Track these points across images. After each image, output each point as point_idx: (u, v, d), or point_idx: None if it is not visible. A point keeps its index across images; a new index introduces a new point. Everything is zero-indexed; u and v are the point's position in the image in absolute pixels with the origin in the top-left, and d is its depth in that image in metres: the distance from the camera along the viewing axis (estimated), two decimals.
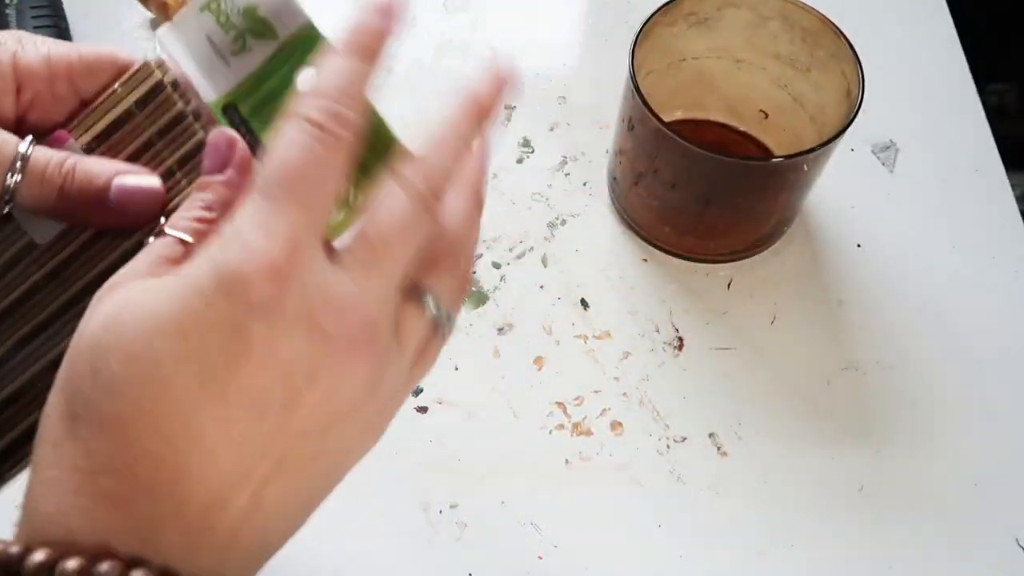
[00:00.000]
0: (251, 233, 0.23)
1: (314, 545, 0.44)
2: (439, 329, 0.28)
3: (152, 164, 0.30)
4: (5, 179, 0.27)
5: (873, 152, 0.57)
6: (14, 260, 0.30)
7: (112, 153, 0.30)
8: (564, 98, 0.59)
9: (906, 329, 0.51)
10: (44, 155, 0.28)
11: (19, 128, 0.29)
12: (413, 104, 0.58)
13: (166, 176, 0.30)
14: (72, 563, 0.21)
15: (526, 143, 0.57)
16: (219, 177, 0.27)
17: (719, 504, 0.46)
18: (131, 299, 0.23)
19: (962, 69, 0.60)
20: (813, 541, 0.45)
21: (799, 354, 0.50)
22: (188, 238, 0.26)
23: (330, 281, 0.24)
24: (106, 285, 0.25)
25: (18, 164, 0.27)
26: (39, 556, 0.21)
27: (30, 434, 0.28)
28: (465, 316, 0.51)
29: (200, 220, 0.26)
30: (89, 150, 0.30)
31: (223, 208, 0.27)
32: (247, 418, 0.23)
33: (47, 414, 0.24)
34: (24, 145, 0.28)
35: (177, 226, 0.26)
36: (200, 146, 0.30)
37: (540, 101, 0.59)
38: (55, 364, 0.27)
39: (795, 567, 0.44)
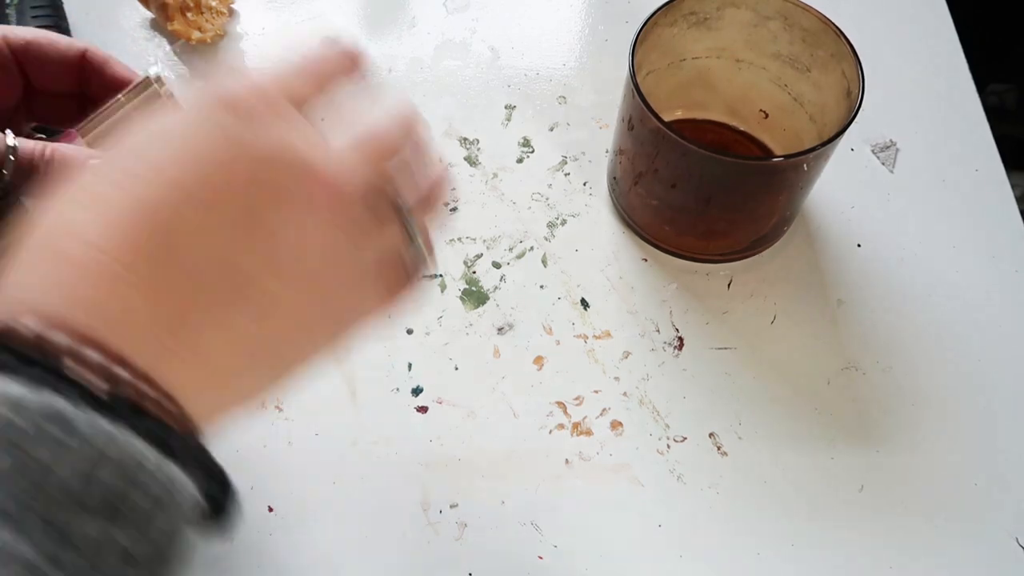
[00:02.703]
0: (242, 80, 0.25)
1: (314, 544, 0.44)
2: (412, 256, 0.29)
3: None
4: (1, 173, 0.30)
5: (873, 152, 0.57)
6: None
7: None
8: (564, 98, 0.59)
9: (906, 329, 0.51)
10: (27, 145, 0.31)
11: None
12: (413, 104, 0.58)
13: None
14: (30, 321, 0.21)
15: (526, 143, 0.57)
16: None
17: (719, 504, 0.46)
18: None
19: (962, 69, 0.60)
20: (813, 541, 0.45)
21: (799, 354, 0.50)
22: None
23: (312, 131, 0.25)
24: None
25: (10, 156, 0.30)
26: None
27: None
28: (465, 316, 0.51)
29: None
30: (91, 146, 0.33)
31: None
32: (207, 213, 0.23)
33: None
34: (10, 139, 0.31)
35: None
36: None
37: (540, 101, 0.59)
38: None
39: (795, 567, 0.44)
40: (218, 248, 0.23)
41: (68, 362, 0.20)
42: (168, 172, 0.23)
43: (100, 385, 0.20)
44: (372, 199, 0.26)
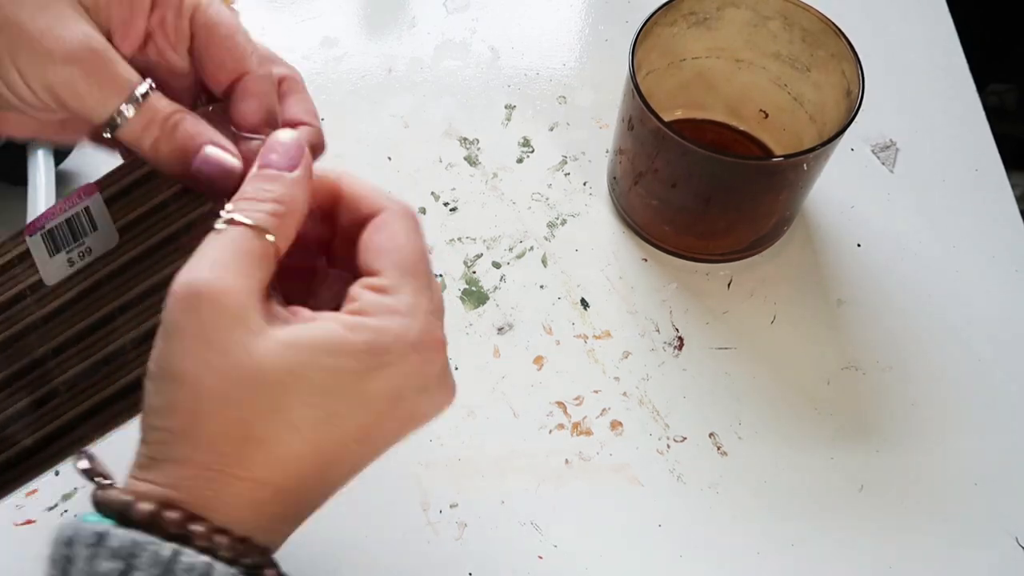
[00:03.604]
0: (410, 313, 0.27)
1: (314, 544, 0.44)
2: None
3: (161, 224, 0.32)
4: (120, 107, 0.29)
5: (873, 152, 0.57)
6: (18, 297, 0.32)
7: (127, 210, 0.32)
8: (564, 98, 0.59)
9: (906, 329, 0.51)
10: (158, 103, 0.30)
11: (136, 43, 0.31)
12: (413, 104, 0.58)
13: (168, 240, 0.32)
14: (144, 505, 0.25)
15: (526, 143, 0.57)
16: (290, 175, 0.28)
17: (719, 504, 0.46)
18: (288, 335, 0.26)
19: (962, 69, 0.60)
20: (813, 541, 0.45)
21: (799, 354, 0.50)
22: (271, 237, 0.27)
23: (440, 340, 0.29)
24: (185, 277, 0.26)
25: (139, 99, 0.29)
26: (119, 495, 0.25)
27: (12, 461, 0.31)
28: (465, 316, 0.51)
29: (274, 215, 0.27)
30: (108, 202, 0.32)
31: (290, 204, 0.28)
32: (350, 445, 0.28)
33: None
34: (144, 86, 0.29)
35: (251, 216, 0.27)
36: (208, 215, 0.31)
37: (540, 101, 0.59)
38: (41, 401, 0.31)
39: (795, 567, 0.44)
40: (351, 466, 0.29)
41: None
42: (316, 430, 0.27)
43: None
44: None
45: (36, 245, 0.32)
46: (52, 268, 0.32)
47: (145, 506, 0.25)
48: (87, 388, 0.31)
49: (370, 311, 0.27)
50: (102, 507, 0.26)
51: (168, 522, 0.25)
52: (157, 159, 0.30)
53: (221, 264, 0.26)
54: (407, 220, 0.29)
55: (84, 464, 0.27)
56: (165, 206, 0.32)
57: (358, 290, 0.28)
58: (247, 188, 0.28)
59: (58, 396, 0.32)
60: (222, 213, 0.27)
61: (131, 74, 0.29)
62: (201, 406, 0.25)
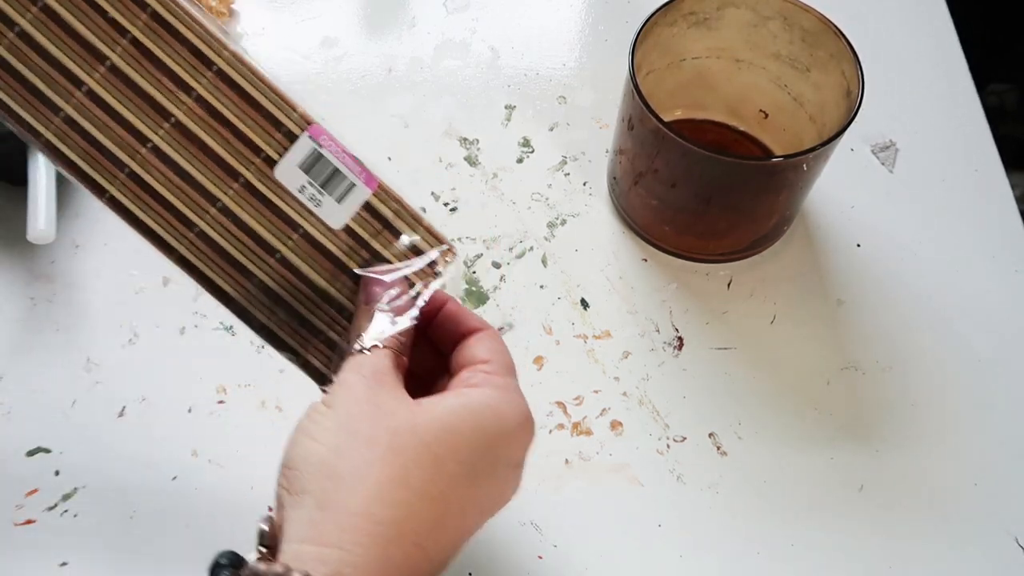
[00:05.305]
0: (520, 394, 0.33)
1: None
2: None
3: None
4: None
5: (873, 152, 0.57)
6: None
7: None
8: (564, 98, 0.59)
9: (906, 329, 0.51)
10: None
11: None
12: (413, 104, 0.58)
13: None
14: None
15: (526, 143, 0.57)
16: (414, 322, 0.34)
17: (719, 504, 0.46)
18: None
19: (962, 69, 0.60)
20: (813, 541, 0.45)
21: (799, 354, 0.50)
22: (405, 358, 0.33)
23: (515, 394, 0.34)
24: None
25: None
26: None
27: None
28: None
29: (399, 343, 0.34)
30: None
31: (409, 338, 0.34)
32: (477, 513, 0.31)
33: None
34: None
35: (387, 344, 0.33)
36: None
37: (540, 101, 0.59)
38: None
39: (795, 567, 0.44)
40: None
41: None
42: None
43: None
44: None
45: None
46: (336, 212, 0.36)
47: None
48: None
49: (486, 383, 0.32)
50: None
51: None
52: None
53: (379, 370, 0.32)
54: (500, 339, 0.35)
55: (264, 526, 0.29)
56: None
57: (470, 372, 0.33)
58: (377, 324, 0.34)
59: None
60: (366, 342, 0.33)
61: None
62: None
